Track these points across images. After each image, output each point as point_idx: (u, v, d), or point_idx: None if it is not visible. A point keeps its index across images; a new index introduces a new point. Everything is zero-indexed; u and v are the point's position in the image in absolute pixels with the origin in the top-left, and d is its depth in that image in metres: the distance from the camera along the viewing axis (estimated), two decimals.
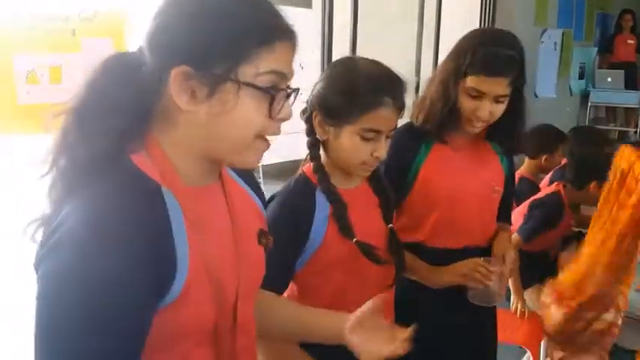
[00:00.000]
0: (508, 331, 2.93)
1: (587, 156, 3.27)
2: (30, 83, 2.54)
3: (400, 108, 1.40)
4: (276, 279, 1.36)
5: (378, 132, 1.39)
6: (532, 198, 3.24)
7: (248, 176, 1.16)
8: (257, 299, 1.20)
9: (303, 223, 1.41)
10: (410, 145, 1.79)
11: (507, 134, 1.81)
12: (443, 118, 1.72)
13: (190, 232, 0.89)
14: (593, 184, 3.18)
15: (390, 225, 1.55)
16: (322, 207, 1.43)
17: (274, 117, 0.91)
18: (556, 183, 3.28)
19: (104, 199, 0.84)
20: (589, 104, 8.28)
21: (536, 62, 6.32)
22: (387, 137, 1.42)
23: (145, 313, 0.84)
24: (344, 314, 1.25)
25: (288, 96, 0.93)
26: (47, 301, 0.80)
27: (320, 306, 1.41)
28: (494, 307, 2.06)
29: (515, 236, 3.04)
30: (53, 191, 0.89)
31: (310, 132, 1.48)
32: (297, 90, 0.95)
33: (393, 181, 1.73)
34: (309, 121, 1.47)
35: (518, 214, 3.27)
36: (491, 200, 1.88)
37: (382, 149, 1.40)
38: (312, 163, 1.47)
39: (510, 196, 1.99)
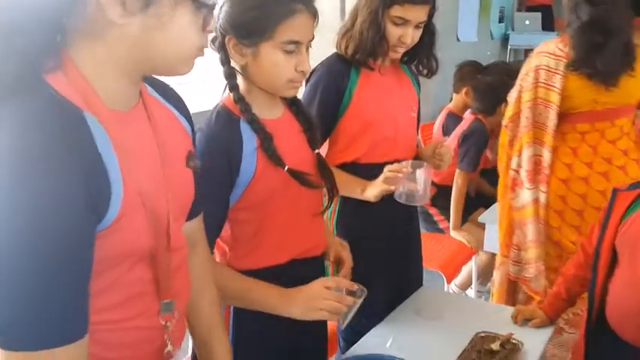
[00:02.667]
0: (429, 258, 3.18)
1: (487, 83, 3.47)
2: None
3: (314, 15, 1.41)
4: (214, 216, 1.40)
5: (297, 43, 1.38)
6: (458, 132, 3.44)
7: (172, 96, 1.13)
8: (209, 264, 1.29)
9: (233, 156, 1.40)
10: (342, 73, 1.91)
11: (426, 55, 2.00)
12: (374, 47, 1.85)
13: (120, 158, 0.88)
14: (502, 107, 3.40)
15: (317, 151, 1.59)
16: (249, 139, 1.42)
17: (206, 30, 0.93)
18: (470, 112, 3.50)
19: (26, 124, 0.80)
20: (509, 47, 8.55)
21: (458, 6, 6.47)
22: (307, 49, 1.42)
23: (86, 235, 0.84)
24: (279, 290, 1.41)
25: (212, 8, 0.95)
26: None
27: (253, 240, 1.48)
28: (418, 233, 2.24)
29: (458, 172, 3.26)
30: None
31: (225, 60, 1.43)
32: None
33: (329, 109, 1.87)
34: (222, 48, 1.42)
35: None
36: (412, 119, 2.07)
37: (305, 62, 1.41)
38: (231, 94, 1.44)
39: (419, 118, 2.17)
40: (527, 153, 2.45)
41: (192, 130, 1.18)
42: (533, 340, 1.84)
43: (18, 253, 0.78)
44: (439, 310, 2.00)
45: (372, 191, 1.83)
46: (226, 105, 1.46)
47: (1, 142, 0.78)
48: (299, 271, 1.55)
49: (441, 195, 3.53)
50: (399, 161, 1.88)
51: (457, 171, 3.32)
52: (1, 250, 0.77)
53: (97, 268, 0.88)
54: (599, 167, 2.38)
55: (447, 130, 3.73)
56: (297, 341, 1.58)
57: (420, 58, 2.02)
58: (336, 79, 1.91)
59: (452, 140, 3.49)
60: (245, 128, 1.43)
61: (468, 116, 3.55)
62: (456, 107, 3.83)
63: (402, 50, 1.91)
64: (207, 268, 1.28)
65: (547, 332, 1.92)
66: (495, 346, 1.75)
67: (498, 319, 1.96)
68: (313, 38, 1.44)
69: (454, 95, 3.87)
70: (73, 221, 0.81)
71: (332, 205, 1.67)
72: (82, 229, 0.83)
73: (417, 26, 1.86)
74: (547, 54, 2.39)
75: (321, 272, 1.70)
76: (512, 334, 1.82)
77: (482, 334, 1.82)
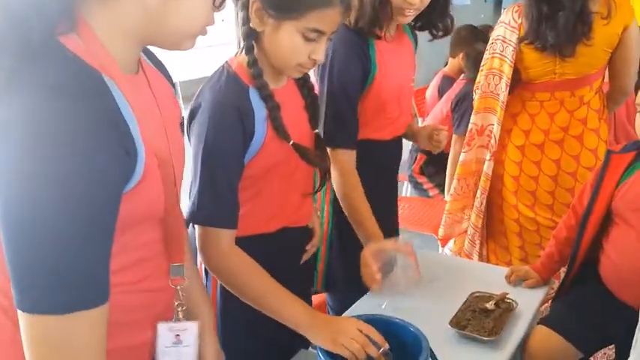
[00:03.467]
0: (424, 222, 3.24)
1: (479, 52, 3.44)
2: None
3: (347, 9, 1.35)
4: (235, 177, 1.37)
5: (321, 33, 1.32)
6: (451, 96, 3.40)
7: (159, 63, 1.13)
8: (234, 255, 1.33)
9: (248, 123, 1.36)
10: (362, 51, 1.76)
11: (441, 16, 1.87)
12: (375, 13, 1.71)
13: (138, 121, 0.89)
14: None
15: (317, 130, 1.55)
16: (259, 107, 1.38)
17: (217, 7, 0.93)
18: (461, 78, 3.48)
19: (56, 90, 0.79)
20: (502, 10, 8.46)
21: None
22: (328, 39, 1.36)
23: (116, 199, 0.84)
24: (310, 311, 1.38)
25: None
26: (24, 204, 0.77)
27: (246, 207, 1.44)
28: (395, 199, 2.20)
29: (455, 138, 3.24)
30: None
31: (246, 20, 1.36)
32: None
33: (357, 92, 1.75)
34: (245, 7, 1.35)
35: (439, 108, 3.49)
36: (411, 89, 2.00)
37: (321, 52, 1.35)
38: (245, 57, 1.38)
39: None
40: (472, 119, 2.56)
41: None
42: (528, 300, 1.85)
43: (52, 216, 0.77)
44: (434, 272, 2.00)
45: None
46: (235, 72, 1.40)
47: (32, 109, 0.77)
48: (287, 239, 1.57)
49: (430, 162, 3.52)
50: (395, 139, 1.90)
51: (454, 136, 3.29)
52: (34, 213, 0.76)
53: (116, 231, 0.88)
54: (554, 135, 2.40)
55: (442, 94, 3.71)
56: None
57: (435, 20, 1.89)
58: (360, 56, 1.76)
59: (444, 104, 3.47)
60: (254, 97, 1.38)
61: (460, 81, 3.52)
62: (451, 71, 3.80)
63: (411, 13, 1.74)
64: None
65: (541, 292, 1.93)
66: (490, 305, 1.76)
67: (492, 280, 1.96)
68: (337, 30, 1.38)
69: (450, 59, 3.84)
70: (108, 185, 0.82)
71: (325, 187, 1.64)
72: (115, 193, 0.84)
73: None
74: (504, 24, 2.40)
75: (308, 239, 1.70)
76: (506, 293, 1.82)
77: (477, 294, 1.83)
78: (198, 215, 1.38)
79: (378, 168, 1.92)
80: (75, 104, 0.79)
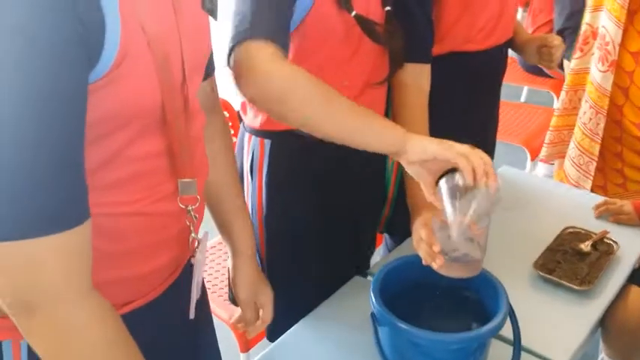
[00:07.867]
0: (512, 132, 2.98)
1: None
2: None
3: None
4: (280, 30, 1.11)
5: None
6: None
7: None
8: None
9: None
10: None
11: None
12: None
13: None
14: None
15: (388, 8, 1.30)
16: None
17: None
18: None
19: None
20: None
21: None
22: None
23: (76, 83, 0.68)
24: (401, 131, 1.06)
25: None
26: None
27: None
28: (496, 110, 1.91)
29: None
30: None
31: None
32: None
33: None
34: None
35: None
36: None
37: None
38: None
39: None
40: (586, 18, 2.19)
41: None
42: (631, 242, 1.56)
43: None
44: (518, 198, 1.74)
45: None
46: None
47: None
48: None
49: None
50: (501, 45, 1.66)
51: None
52: None
53: (94, 132, 0.73)
54: None
55: None
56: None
57: None
58: None
59: None
60: None
61: None
62: None
63: None
64: (226, 140, 1.13)
65: None
66: (586, 246, 1.50)
67: (592, 212, 1.67)
68: None
69: None
70: (60, 66, 0.66)
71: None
72: (70, 75, 0.67)
73: None
74: None
75: None
76: (607, 231, 1.55)
77: (571, 230, 1.58)
78: (237, 34, 1.06)
79: (473, 85, 1.65)
80: None
